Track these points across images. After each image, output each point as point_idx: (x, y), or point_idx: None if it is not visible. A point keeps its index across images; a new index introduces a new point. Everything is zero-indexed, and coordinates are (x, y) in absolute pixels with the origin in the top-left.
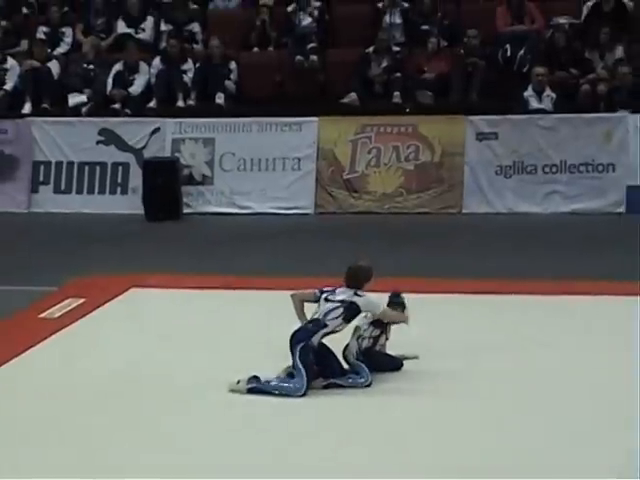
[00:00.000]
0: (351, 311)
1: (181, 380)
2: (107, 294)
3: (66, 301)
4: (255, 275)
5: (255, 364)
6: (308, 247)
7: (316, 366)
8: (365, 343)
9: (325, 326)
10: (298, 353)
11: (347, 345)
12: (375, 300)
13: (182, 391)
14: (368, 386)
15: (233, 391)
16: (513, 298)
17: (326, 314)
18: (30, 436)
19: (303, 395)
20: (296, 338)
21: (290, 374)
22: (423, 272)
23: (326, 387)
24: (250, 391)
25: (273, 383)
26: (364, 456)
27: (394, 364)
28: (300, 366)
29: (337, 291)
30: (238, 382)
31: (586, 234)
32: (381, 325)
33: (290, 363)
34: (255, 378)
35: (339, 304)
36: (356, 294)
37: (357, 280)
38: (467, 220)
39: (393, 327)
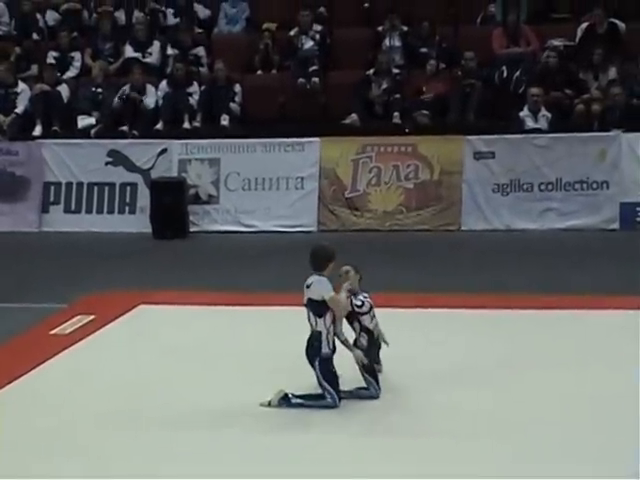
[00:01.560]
0: (312, 306)
1: (189, 395)
2: (116, 311)
3: (76, 318)
4: (260, 291)
5: (262, 379)
6: None
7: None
8: (364, 342)
9: (320, 333)
10: (319, 370)
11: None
12: (324, 285)
13: (190, 406)
14: (375, 398)
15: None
16: (511, 313)
17: (312, 324)
18: (40, 448)
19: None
20: (310, 356)
21: (320, 395)
22: (423, 287)
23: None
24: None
25: (305, 404)
26: None
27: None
28: (325, 384)
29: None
30: (269, 403)
31: (581, 250)
32: (352, 316)
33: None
34: (284, 399)
35: (308, 309)
36: (307, 287)
37: (317, 262)
38: (465, 237)
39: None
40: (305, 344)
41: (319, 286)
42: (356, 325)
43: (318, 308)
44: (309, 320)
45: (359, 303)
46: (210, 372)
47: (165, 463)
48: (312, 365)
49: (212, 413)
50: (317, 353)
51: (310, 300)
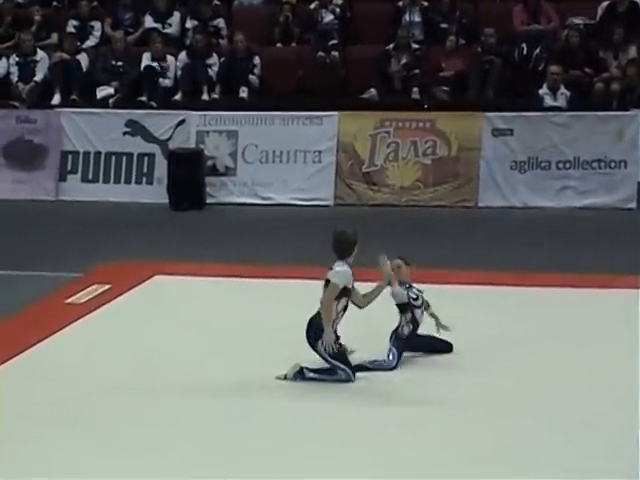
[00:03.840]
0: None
1: (203, 366)
2: (131, 281)
3: (92, 287)
4: (276, 264)
5: (276, 352)
6: (327, 238)
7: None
8: (406, 332)
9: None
10: (327, 356)
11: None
12: (340, 277)
13: (204, 377)
14: (392, 369)
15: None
16: (527, 290)
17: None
18: (53, 417)
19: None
20: (311, 338)
21: (331, 370)
22: (439, 263)
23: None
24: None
25: (319, 378)
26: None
27: (443, 346)
28: (333, 362)
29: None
30: (284, 377)
31: (598, 228)
32: (406, 307)
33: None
34: (300, 373)
35: (324, 289)
36: (331, 268)
37: (342, 249)
38: (482, 213)
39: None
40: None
41: (335, 275)
42: (407, 315)
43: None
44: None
45: (414, 296)
46: (225, 344)
47: (179, 433)
48: (314, 348)
49: (226, 385)
50: (319, 335)
51: (326, 281)
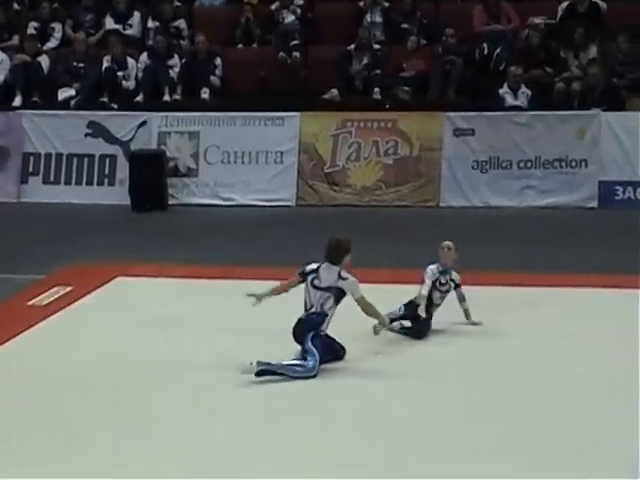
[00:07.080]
0: (339, 295)
1: (164, 366)
2: (93, 282)
3: (54, 289)
4: (238, 265)
5: (238, 351)
6: (290, 238)
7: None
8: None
9: (327, 315)
10: (310, 341)
11: None
12: (357, 284)
13: (168, 377)
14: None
15: (244, 372)
16: (487, 289)
17: (322, 305)
18: (17, 419)
19: (314, 376)
20: (304, 327)
21: (303, 358)
22: (400, 263)
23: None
24: (261, 373)
25: (285, 363)
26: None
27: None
28: (313, 349)
29: (321, 273)
30: (250, 364)
31: (559, 228)
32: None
33: (294, 355)
34: (268, 363)
35: (329, 293)
36: (340, 277)
37: (337, 253)
38: (444, 213)
39: None
40: (304, 317)
41: (355, 286)
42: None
43: (339, 297)
44: (312, 299)
45: (443, 281)
46: (188, 344)
47: (145, 433)
48: (304, 336)
49: (192, 384)
50: (315, 327)
51: (337, 289)
